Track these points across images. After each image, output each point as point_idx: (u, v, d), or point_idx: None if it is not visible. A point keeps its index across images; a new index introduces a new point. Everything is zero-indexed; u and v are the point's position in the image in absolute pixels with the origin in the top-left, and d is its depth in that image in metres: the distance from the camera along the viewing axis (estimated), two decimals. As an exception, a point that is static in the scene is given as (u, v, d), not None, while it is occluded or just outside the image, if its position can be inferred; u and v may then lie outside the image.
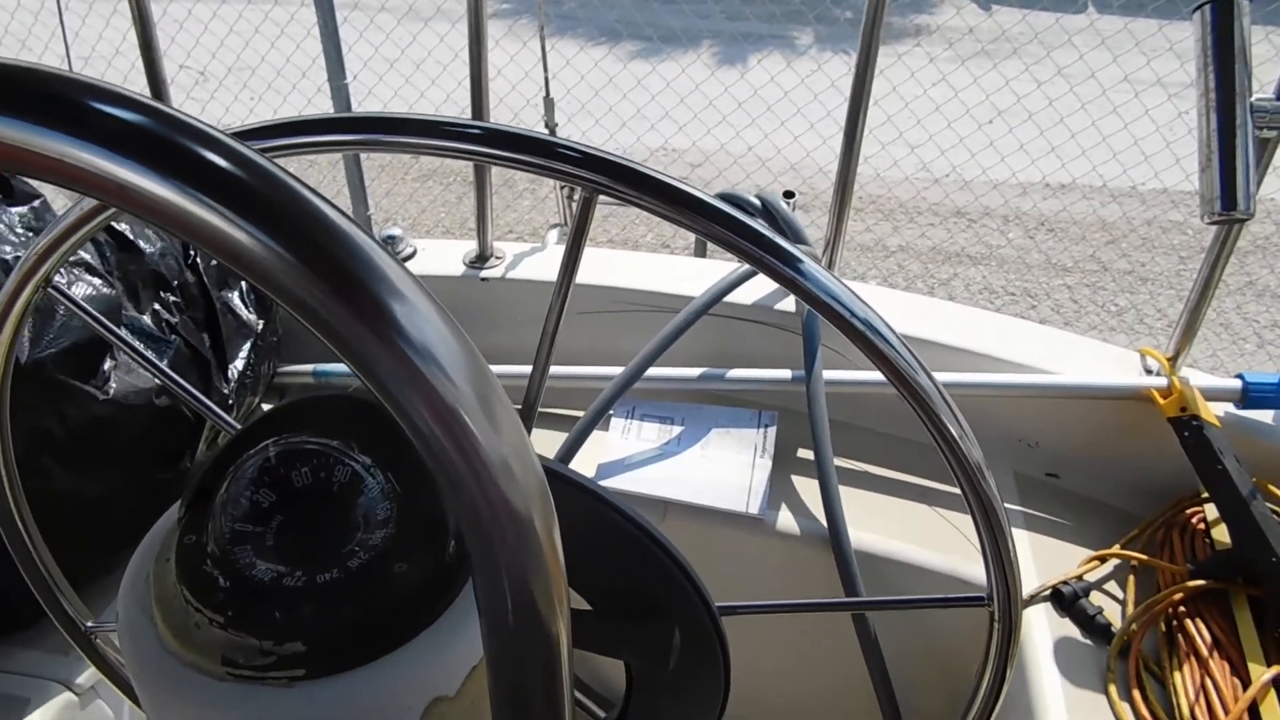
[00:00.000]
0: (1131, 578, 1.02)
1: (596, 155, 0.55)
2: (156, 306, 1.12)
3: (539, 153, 0.56)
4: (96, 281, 1.02)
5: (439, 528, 0.44)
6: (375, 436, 0.45)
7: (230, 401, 1.17)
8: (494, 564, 0.27)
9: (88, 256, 1.03)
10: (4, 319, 0.57)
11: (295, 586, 0.40)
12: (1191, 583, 0.95)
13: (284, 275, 0.23)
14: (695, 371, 1.21)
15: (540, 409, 1.29)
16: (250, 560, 0.41)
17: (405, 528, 0.43)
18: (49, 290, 0.59)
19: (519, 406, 0.51)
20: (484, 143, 0.57)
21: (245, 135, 0.56)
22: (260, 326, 1.25)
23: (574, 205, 0.65)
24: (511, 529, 0.26)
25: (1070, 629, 0.98)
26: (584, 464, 1.12)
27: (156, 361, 0.70)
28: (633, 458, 1.14)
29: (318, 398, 0.48)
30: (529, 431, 0.36)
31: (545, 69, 1.74)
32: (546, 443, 1.17)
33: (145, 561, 0.45)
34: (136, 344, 0.72)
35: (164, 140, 0.23)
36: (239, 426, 0.50)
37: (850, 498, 1.10)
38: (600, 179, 0.55)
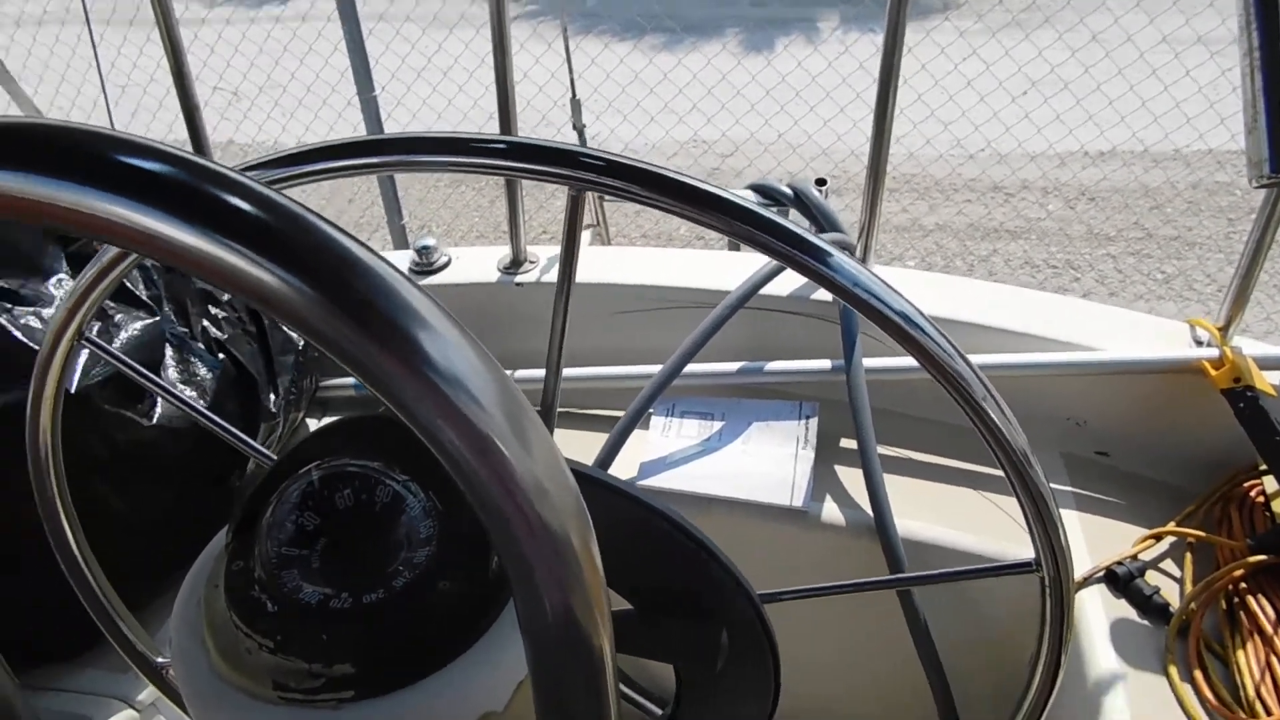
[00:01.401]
0: (1188, 555, 1.00)
1: (620, 162, 0.56)
2: (205, 323, 1.15)
3: (564, 163, 0.57)
4: (139, 312, 1.04)
5: (481, 544, 0.44)
6: (414, 455, 0.46)
7: (277, 417, 1.19)
8: (532, 583, 0.27)
9: (129, 284, 1.06)
10: (46, 373, 0.59)
11: (342, 608, 0.41)
12: (1252, 558, 0.93)
13: (311, 314, 0.24)
14: (734, 366, 1.21)
15: (581, 410, 1.30)
16: (297, 583, 0.41)
17: (448, 545, 0.44)
18: (86, 341, 0.61)
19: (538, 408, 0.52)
20: (510, 156, 0.57)
21: (278, 163, 0.57)
22: (303, 342, 1.27)
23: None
24: (549, 548, 0.26)
25: (1126, 610, 0.96)
26: (626, 463, 1.13)
27: (191, 403, 0.72)
28: (674, 455, 1.14)
29: (356, 419, 0.49)
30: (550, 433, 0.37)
31: (570, 71, 1.74)
32: (587, 444, 1.17)
33: (196, 587, 0.46)
34: (169, 385, 0.73)
35: (183, 186, 0.23)
36: (273, 457, 0.50)
37: (895, 485, 1.09)
38: (627, 185, 0.55)
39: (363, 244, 0.26)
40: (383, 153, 0.61)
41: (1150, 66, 3.72)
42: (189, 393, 1.07)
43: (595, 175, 0.57)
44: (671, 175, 0.56)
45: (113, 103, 1.72)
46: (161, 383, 0.74)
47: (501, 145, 0.59)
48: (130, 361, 0.70)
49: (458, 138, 0.60)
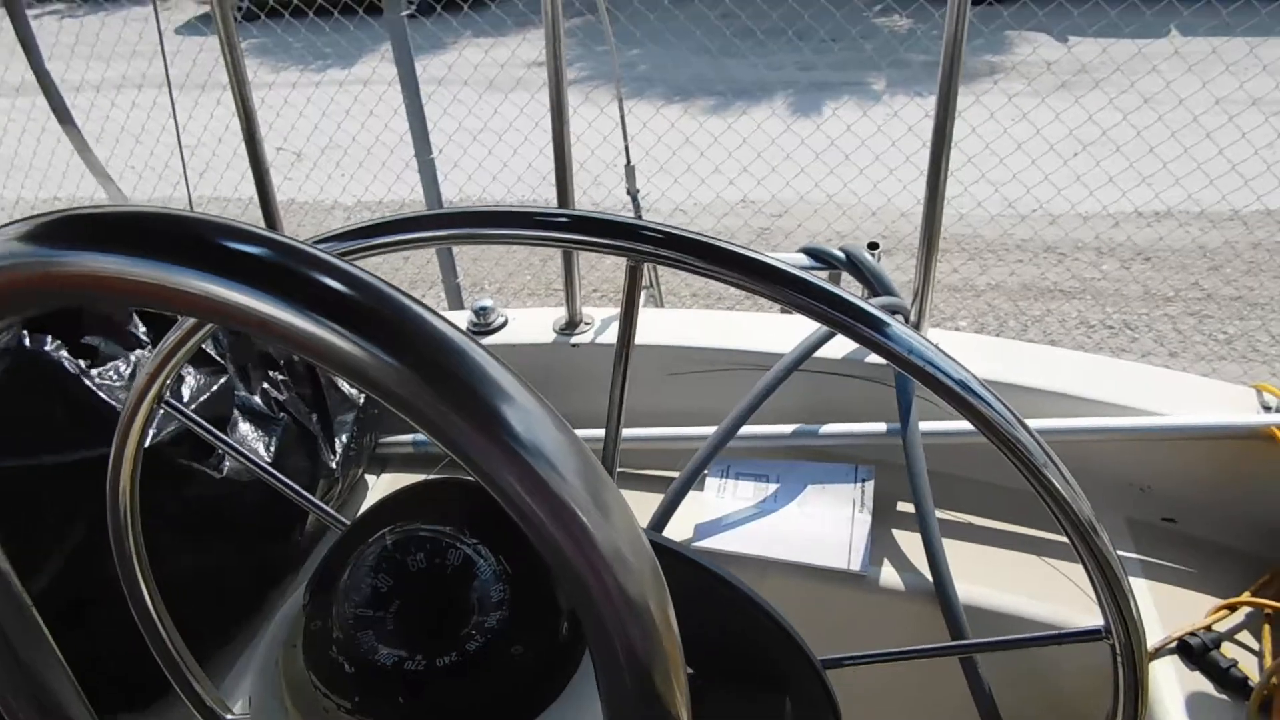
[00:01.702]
0: (1266, 626, 0.96)
1: (678, 235, 0.57)
2: (266, 385, 1.18)
3: (625, 236, 0.58)
4: (209, 371, 1.07)
5: (553, 608, 0.45)
6: (484, 519, 0.47)
7: (336, 474, 1.21)
8: (613, 652, 0.27)
9: (203, 346, 1.09)
10: (127, 435, 0.62)
11: (416, 670, 0.42)
12: (1332, 632, 0.90)
13: (399, 387, 0.25)
14: (789, 428, 1.21)
15: (636, 471, 1.30)
16: (373, 644, 0.42)
17: (519, 609, 0.44)
18: (164, 404, 0.64)
19: None
20: (573, 229, 0.59)
21: (352, 235, 0.60)
22: (362, 400, 1.30)
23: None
24: (630, 618, 0.27)
25: (1203, 683, 0.93)
26: (681, 525, 1.12)
27: (261, 463, 0.74)
28: (729, 517, 1.14)
29: (428, 483, 0.50)
30: None
31: (625, 137, 1.78)
32: (642, 505, 1.17)
33: (274, 648, 0.47)
34: (236, 443, 0.75)
35: (280, 268, 0.25)
36: (336, 515, 0.51)
37: (954, 550, 1.07)
38: (684, 257, 0.57)
39: (443, 317, 0.27)
40: (451, 226, 0.63)
41: (1204, 129, 3.69)
42: (255, 450, 1.09)
43: (654, 248, 0.59)
44: (727, 246, 0.57)
45: (185, 163, 1.79)
46: (233, 443, 0.76)
47: (564, 219, 0.61)
48: (203, 422, 0.72)
49: (523, 212, 0.62)
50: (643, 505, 1.16)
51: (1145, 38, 4.63)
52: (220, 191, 4.37)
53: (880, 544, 1.12)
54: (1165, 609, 1.01)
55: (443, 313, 0.28)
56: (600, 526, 0.26)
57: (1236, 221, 4.18)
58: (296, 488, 0.72)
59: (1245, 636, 0.97)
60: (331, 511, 0.72)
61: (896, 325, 0.54)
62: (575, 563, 0.26)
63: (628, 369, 0.69)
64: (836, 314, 0.54)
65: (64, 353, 0.96)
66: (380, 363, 0.25)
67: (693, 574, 0.64)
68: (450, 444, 0.26)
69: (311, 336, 0.24)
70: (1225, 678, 0.92)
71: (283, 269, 0.25)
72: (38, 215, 0.26)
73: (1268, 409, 1.11)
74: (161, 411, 0.96)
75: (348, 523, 0.56)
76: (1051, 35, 5.88)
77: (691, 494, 1.09)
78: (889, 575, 1.08)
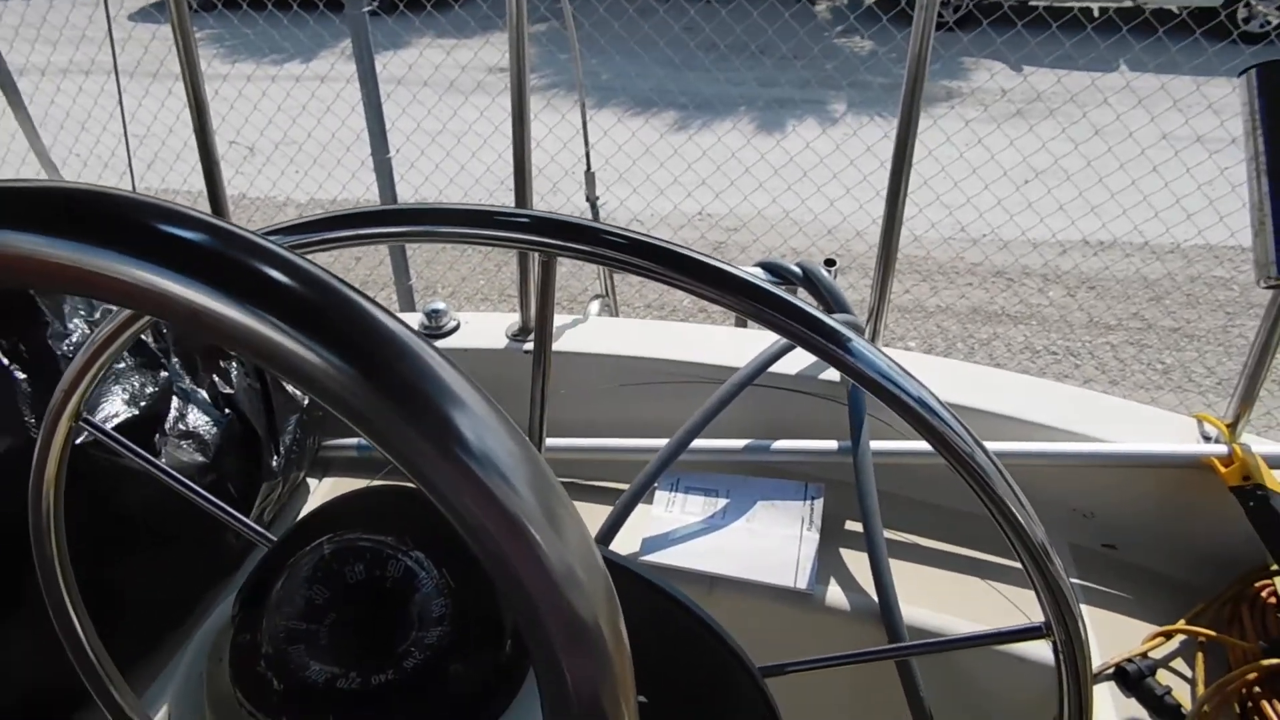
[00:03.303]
0: (1200, 655, 0.98)
1: (641, 240, 0.56)
2: (214, 378, 1.14)
3: (586, 239, 0.57)
4: (149, 363, 1.04)
5: (495, 624, 0.43)
6: (428, 529, 0.45)
7: (277, 475, 1.18)
8: (561, 681, 0.26)
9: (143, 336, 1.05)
10: (45, 459, 0.59)
11: (350, 689, 0.40)
12: (1266, 661, 0.91)
13: (337, 386, 0.23)
14: (740, 443, 1.20)
15: (585, 482, 1.29)
16: (304, 660, 0.40)
17: (462, 625, 0.42)
18: (82, 423, 0.60)
19: None
20: (533, 231, 0.58)
21: (299, 229, 0.58)
22: (306, 400, 1.27)
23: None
24: (580, 642, 0.26)
25: (1137, 710, 0.94)
26: (628, 538, 1.11)
27: (192, 485, 0.70)
28: (677, 531, 1.13)
29: (368, 490, 0.48)
30: None
31: (586, 143, 1.77)
32: (590, 517, 1.16)
33: (197, 660, 0.45)
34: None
35: (201, 249, 0.23)
36: (269, 536, 0.49)
37: (901, 571, 1.07)
38: (647, 263, 0.56)
39: (389, 311, 0.25)
40: (408, 223, 0.62)
41: (1151, 162, 3.79)
42: (192, 447, 1.06)
43: (616, 252, 0.57)
44: (691, 254, 0.56)
45: (130, 152, 1.74)
46: (158, 462, 0.72)
47: (524, 220, 0.60)
48: (126, 442, 0.69)
49: (482, 211, 0.60)
50: (591, 517, 1.14)
51: (1098, 70, 4.74)
52: (169, 183, 4.27)
53: (827, 562, 1.12)
54: (1103, 634, 1.02)
55: (390, 309, 0.26)
56: (553, 543, 0.25)
57: (1178, 254, 4.29)
58: (220, 503, 0.69)
59: (1179, 664, 0.99)
60: (257, 527, 0.69)
61: (858, 341, 0.54)
62: (524, 581, 0.25)
63: (548, 372, 0.68)
64: (798, 327, 0.53)
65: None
66: (316, 357, 0.23)
67: (634, 588, 0.62)
68: (391, 448, 0.24)
69: (245, 329, 0.22)
70: (1160, 705, 0.93)
71: (216, 254, 0.23)
72: None
73: (1208, 439, 1.13)
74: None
75: (273, 539, 0.53)
76: (1008, 64, 6.00)
77: (640, 507, 1.08)
78: (835, 594, 1.08)
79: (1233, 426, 1.10)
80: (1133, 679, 0.95)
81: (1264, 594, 1.00)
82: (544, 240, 0.59)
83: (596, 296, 2.05)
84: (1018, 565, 0.55)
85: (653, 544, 1.11)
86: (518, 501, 0.24)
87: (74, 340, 0.99)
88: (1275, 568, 1.01)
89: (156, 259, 0.22)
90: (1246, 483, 1.03)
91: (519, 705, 0.42)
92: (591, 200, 1.83)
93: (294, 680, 0.40)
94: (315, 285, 0.23)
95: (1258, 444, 1.09)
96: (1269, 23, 6.34)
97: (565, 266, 4.51)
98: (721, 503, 1.16)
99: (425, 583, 0.43)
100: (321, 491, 1.30)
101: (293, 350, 0.23)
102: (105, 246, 0.22)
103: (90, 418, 0.61)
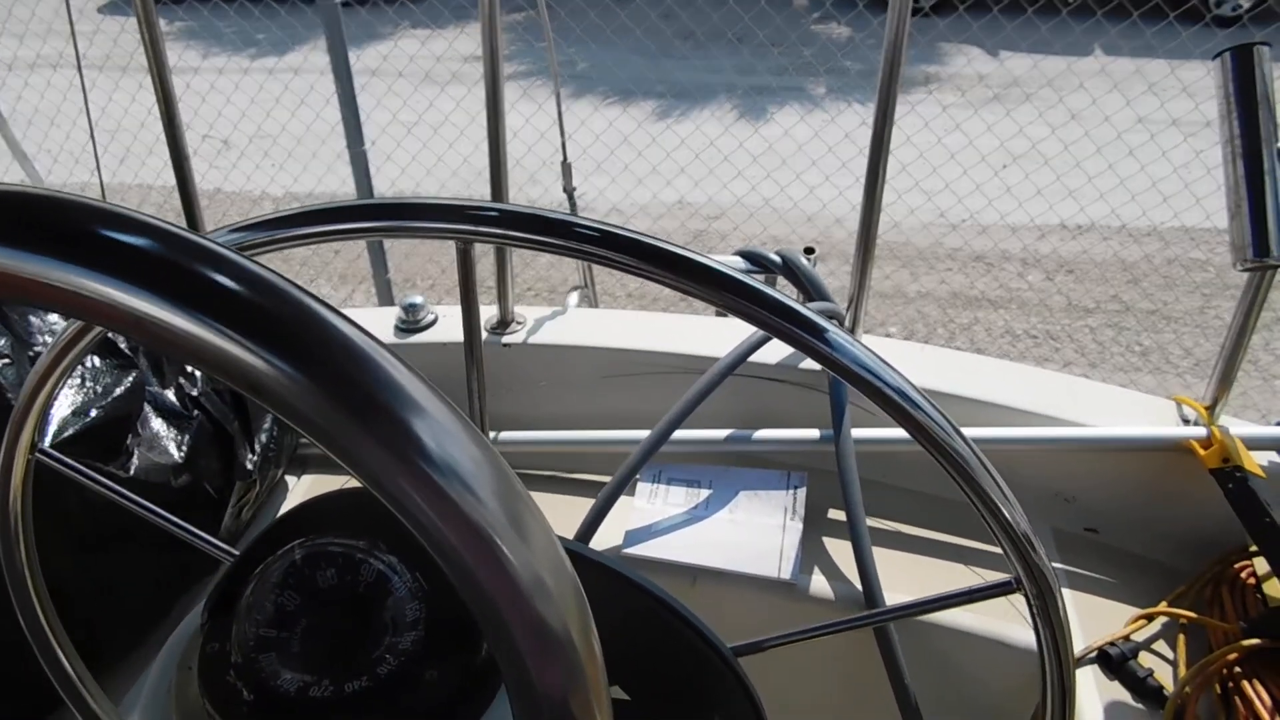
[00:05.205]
0: (1181, 637, 0.98)
1: (615, 233, 0.55)
2: (181, 380, 1.12)
3: (559, 233, 0.56)
4: (118, 364, 1.02)
5: (471, 629, 0.42)
6: (401, 532, 0.44)
7: (254, 476, 1.16)
8: (531, 692, 0.25)
9: (110, 335, 1.04)
10: (5, 489, 0.57)
11: (322, 697, 0.39)
12: (1246, 642, 0.92)
13: (286, 393, 0.22)
14: (722, 433, 1.20)
15: (566, 475, 1.28)
16: (275, 669, 0.39)
17: (435, 630, 0.41)
18: (39, 454, 0.59)
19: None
20: (505, 225, 0.57)
21: (269, 224, 0.56)
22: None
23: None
24: (549, 652, 0.25)
25: (1120, 692, 0.94)
26: (611, 530, 1.11)
27: (159, 510, 0.69)
28: (660, 523, 1.12)
29: (340, 493, 0.47)
30: None
31: (562, 134, 1.75)
32: (572, 509, 1.15)
33: (166, 669, 0.43)
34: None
35: (142, 254, 0.22)
36: (231, 551, 0.48)
37: (884, 559, 1.07)
38: (622, 257, 0.55)
39: (338, 311, 0.24)
40: (378, 218, 0.60)
41: (1128, 146, 3.81)
42: (165, 448, 1.04)
43: (591, 246, 0.57)
44: (666, 247, 0.55)
45: (102, 148, 1.71)
46: (124, 491, 0.71)
47: (497, 214, 0.59)
48: (93, 474, 0.68)
49: (454, 205, 0.59)
50: (573, 509, 1.14)
51: (1074, 55, 4.76)
52: (142, 178, 4.22)
53: (811, 552, 1.11)
54: (1086, 617, 1.02)
55: (343, 312, 0.25)
56: (518, 550, 0.24)
57: (1155, 237, 4.32)
58: (180, 521, 0.67)
59: (1161, 646, 0.99)
60: (217, 542, 0.67)
61: (835, 331, 0.53)
62: (490, 592, 0.24)
63: (482, 360, 0.67)
64: (775, 319, 0.53)
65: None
66: (264, 364, 0.22)
67: (609, 585, 0.62)
68: (347, 458, 0.23)
69: (189, 337, 0.21)
70: (1142, 687, 0.93)
71: (158, 258, 0.22)
72: None
73: (1187, 422, 1.13)
74: (59, 401, 0.90)
75: (235, 554, 0.52)
76: (984, 49, 6.01)
77: (623, 499, 1.07)
78: (819, 583, 1.08)
79: (1211, 409, 1.11)
80: (1115, 662, 0.96)
81: (1244, 575, 1.01)
82: (518, 234, 0.58)
83: (575, 288, 2.03)
84: (999, 551, 0.55)
85: (635, 536, 1.11)
86: (479, 509, 0.24)
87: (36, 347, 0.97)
88: (1254, 549, 1.01)
89: (95, 264, 0.21)
90: (1225, 465, 1.03)
91: (494, 711, 0.41)
92: (569, 191, 1.81)
93: (264, 689, 0.39)
94: (263, 289, 0.22)
95: (1236, 426, 1.09)
96: (1240, 6, 6.37)
97: (545, 257, 4.49)
98: (704, 493, 1.16)
99: (398, 586, 0.42)
100: (301, 489, 1.29)
101: (239, 357, 0.22)
102: (42, 253, 0.21)
103: (46, 448, 0.60)
